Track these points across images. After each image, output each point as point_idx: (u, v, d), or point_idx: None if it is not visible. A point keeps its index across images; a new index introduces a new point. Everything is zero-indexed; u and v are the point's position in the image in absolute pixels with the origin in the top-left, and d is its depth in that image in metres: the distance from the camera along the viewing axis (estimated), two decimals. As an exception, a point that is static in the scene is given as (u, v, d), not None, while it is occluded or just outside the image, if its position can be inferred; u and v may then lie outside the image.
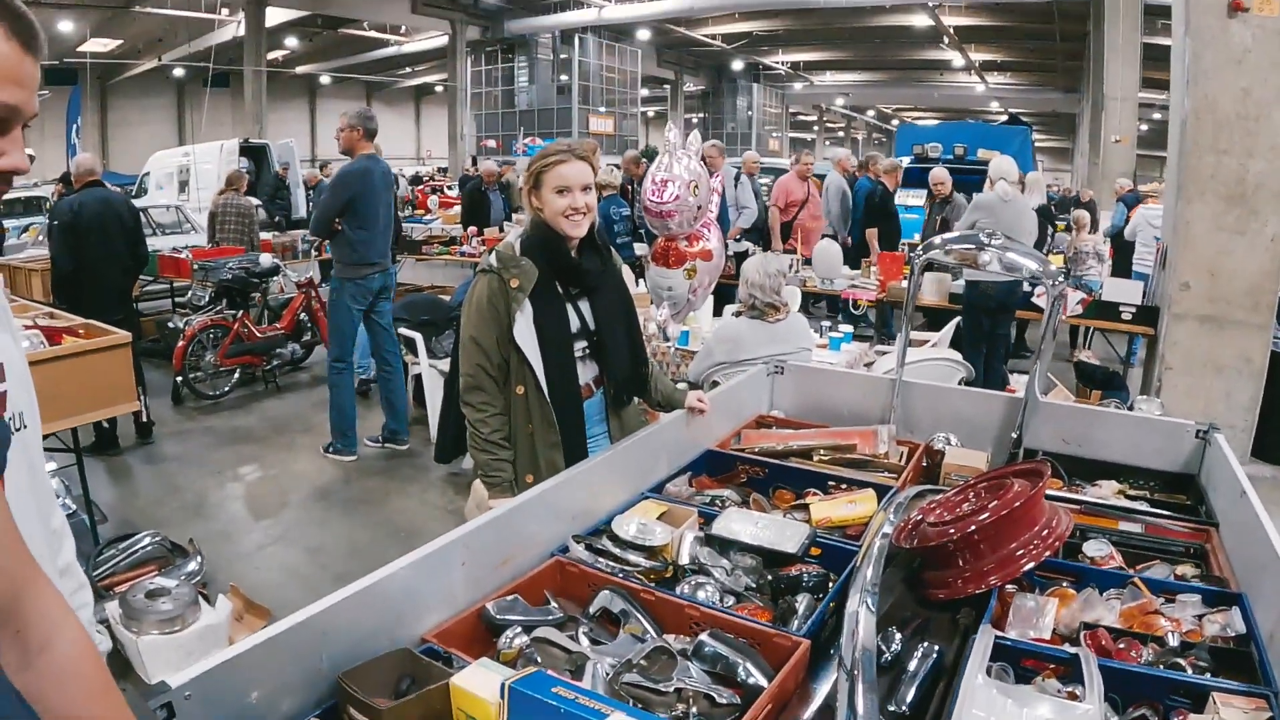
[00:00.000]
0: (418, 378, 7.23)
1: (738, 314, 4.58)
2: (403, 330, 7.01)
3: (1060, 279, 3.51)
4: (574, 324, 3.05)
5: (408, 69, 40.22)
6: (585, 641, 2.08)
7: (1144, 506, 3.31)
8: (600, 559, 2.43)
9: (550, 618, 2.15)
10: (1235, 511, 2.94)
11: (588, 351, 3.11)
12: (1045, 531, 2.52)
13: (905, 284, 8.47)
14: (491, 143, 30.47)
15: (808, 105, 44.02)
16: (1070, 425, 3.74)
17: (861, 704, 1.68)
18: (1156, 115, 29.88)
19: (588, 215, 2.98)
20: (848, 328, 6.52)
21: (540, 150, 3.07)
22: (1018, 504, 2.48)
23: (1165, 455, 3.63)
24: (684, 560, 2.47)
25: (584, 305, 3.08)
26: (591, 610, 2.21)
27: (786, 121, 41.56)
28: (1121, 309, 7.88)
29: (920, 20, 28.10)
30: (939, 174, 9.86)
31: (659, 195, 4.56)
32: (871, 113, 47.14)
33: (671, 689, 1.86)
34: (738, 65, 35.45)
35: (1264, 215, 6.38)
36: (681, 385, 3.49)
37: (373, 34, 33.29)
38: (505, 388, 3.01)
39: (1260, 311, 6.58)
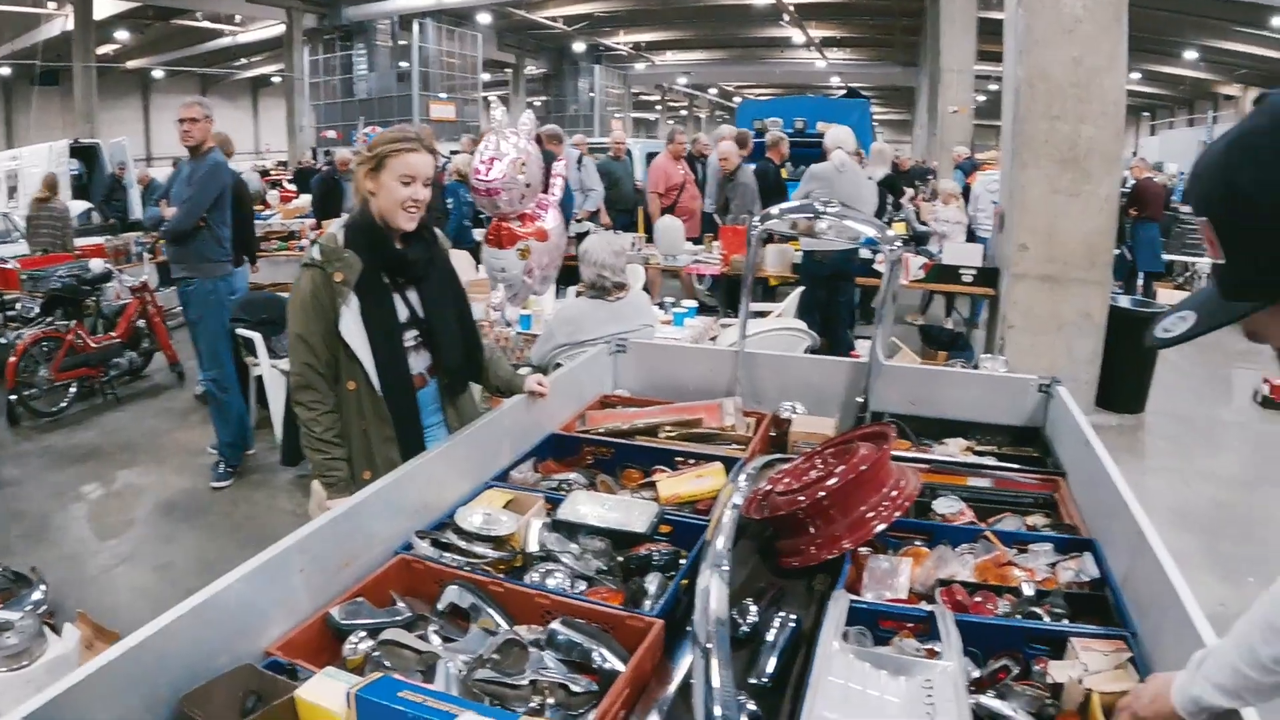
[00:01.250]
0: (259, 379, 6.91)
1: (579, 294, 4.50)
2: (241, 331, 6.70)
3: (897, 244, 3.54)
4: (403, 314, 2.95)
5: (244, 60, 39.01)
6: (436, 640, 1.98)
7: (991, 461, 3.36)
8: (446, 553, 2.32)
9: (397, 619, 2.04)
10: (1081, 461, 3.01)
11: (419, 341, 3.02)
12: (894, 492, 2.52)
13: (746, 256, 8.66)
14: (331, 133, 29.70)
15: (650, 85, 44.16)
16: (915, 387, 3.79)
17: (717, 679, 1.61)
18: (992, 86, 30.85)
19: (421, 208, 2.88)
20: (691, 303, 6.50)
21: (386, 132, 2.93)
22: (864, 467, 2.47)
23: (1010, 410, 3.70)
24: (533, 548, 2.39)
25: (412, 294, 2.98)
26: (440, 607, 2.11)
27: (629, 102, 41.62)
28: (962, 272, 8.09)
29: (760, -2, 28.37)
30: (726, 148, 9.75)
31: (486, 174, 4.48)
32: (713, 91, 47.56)
33: (526, 681, 1.79)
34: (579, 47, 35.34)
35: (1097, 177, 6.63)
36: (524, 370, 3.37)
37: (206, 24, 32.13)
38: (336, 384, 2.88)
39: (1097, 269, 6.85)
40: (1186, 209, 15.27)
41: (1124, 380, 7.66)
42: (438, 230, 3.12)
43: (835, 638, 1.90)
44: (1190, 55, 32.22)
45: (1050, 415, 3.64)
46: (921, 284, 8.68)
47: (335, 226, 2.93)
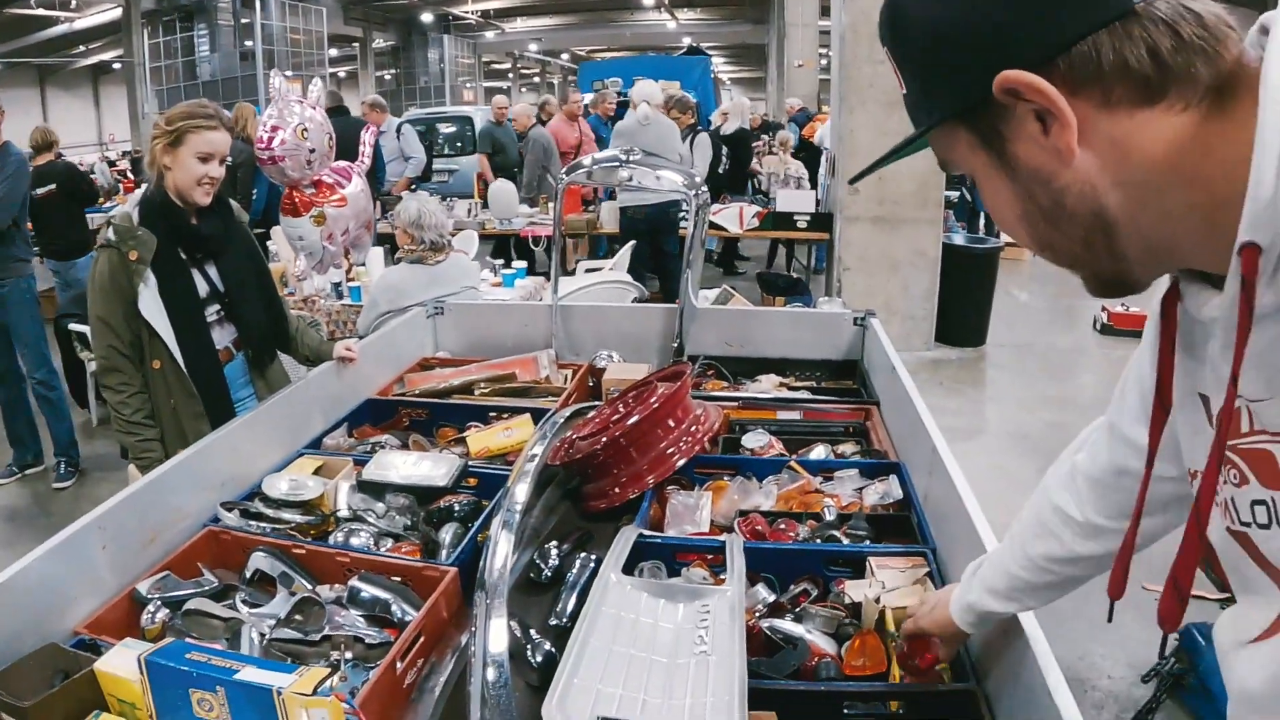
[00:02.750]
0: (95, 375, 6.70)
1: (397, 260, 4.48)
2: (73, 326, 6.51)
3: (703, 190, 3.61)
4: (203, 289, 2.93)
5: (82, 48, 37.28)
6: (244, 608, 1.98)
7: (806, 396, 3.46)
8: (253, 523, 2.32)
9: (204, 589, 2.03)
10: (890, 388, 3.12)
11: (221, 315, 3.00)
12: (694, 428, 2.60)
13: (586, 215, 8.71)
14: (177, 119, 28.63)
15: (501, 54, 43.55)
16: (731, 328, 3.89)
17: (493, 625, 1.64)
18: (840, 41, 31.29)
19: (216, 185, 2.85)
20: (521, 263, 6.50)
21: (183, 106, 2.88)
22: (657, 405, 2.53)
23: (828, 345, 3.83)
24: (341, 510, 2.40)
25: (211, 269, 2.96)
26: (247, 575, 2.10)
27: (480, 71, 40.94)
28: (796, 218, 8.25)
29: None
30: (518, 110, 9.86)
31: (268, 142, 4.46)
32: (565, 56, 47.17)
33: (320, 637, 1.82)
34: (427, 18, 34.61)
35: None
36: (350, 340, 3.35)
37: (41, 11, 30.54)
38: (142, 365, 2.84)
39: (929, 208, 7.07)
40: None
41: (963, 315, 7.91)
42: (233, 202, 3.09)
43: (614, 570, 1.94)
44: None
45: (866, 347, 3.75)
46: (757, 232, 8.79)
47: (129, 204, 2.87)
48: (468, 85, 36.17)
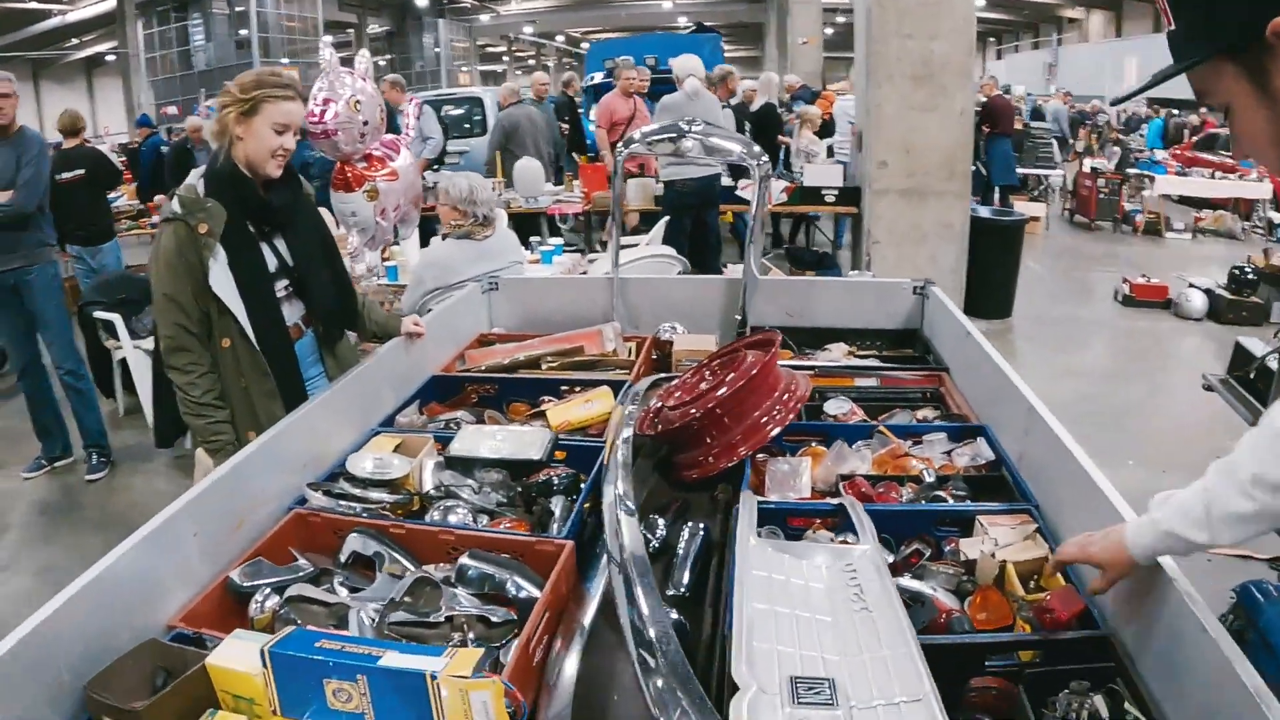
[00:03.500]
0: (124, 362, 6.61)
1: (443, 237, 4.40)
2: (99, 314, 6.40)
3: (764, 159, 3.56)
4: (272, 263, 2.81)
5: (75, 40, 37.02)
6: (343, 592, 1.90)
7: (875, 363, 3.43)
8: (341, 503, 2.23)
9: (300, 574, 1.95)
10: (962, 353, 3.12)
11: (290, 290, 2.89)
12: (785, 395, 2.53)
13: (609, 192, 8.61)
14: (173, 109, 28.47)
15: (495, 37, 43.33)
16: (791, 299, 3.85)
17: (643, 597, 1.63)
18: (840, 18, 31.16)
19: (288, 158, 2.75)
20: (558, 240, 6.43)
21: (257, 74, 2.74)
22: (754, 372, 2.46)
23: (886, 314, 3.80)
24: (427, 488, 2.32)
25: (280, 242, 2.84)
26: (343, 558, 2.02)
27: (475, 55, 40.78)
28: (824, 192, 8.15)
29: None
30: (503, 90, 9.66)
31: (321, 117, 4.33)
32: (560, 38, 47.01)
33: (442, 618, 1.73)
34: (422, 2, 34.37)
35: (951, 92, 6.74)
36: (414, 314, 3.28)
37: (34, 4, 30.31)
38: (209, 343, 2.72)
39: (956, 180, 6.97)
40: (1036, 124, 15.78)
41: (990, 287, 7.88)
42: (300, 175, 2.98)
43: (751, 534, 1.89)
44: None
45: (926, 315, 3.74)
46: (786, 206, 8.73)
47: (192, 177, 2.75)
48: (463, 69, 36.00)
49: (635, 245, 6.56)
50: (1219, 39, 1.11)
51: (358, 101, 4.39)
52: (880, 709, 1.36)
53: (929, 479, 2.36)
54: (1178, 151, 17.38)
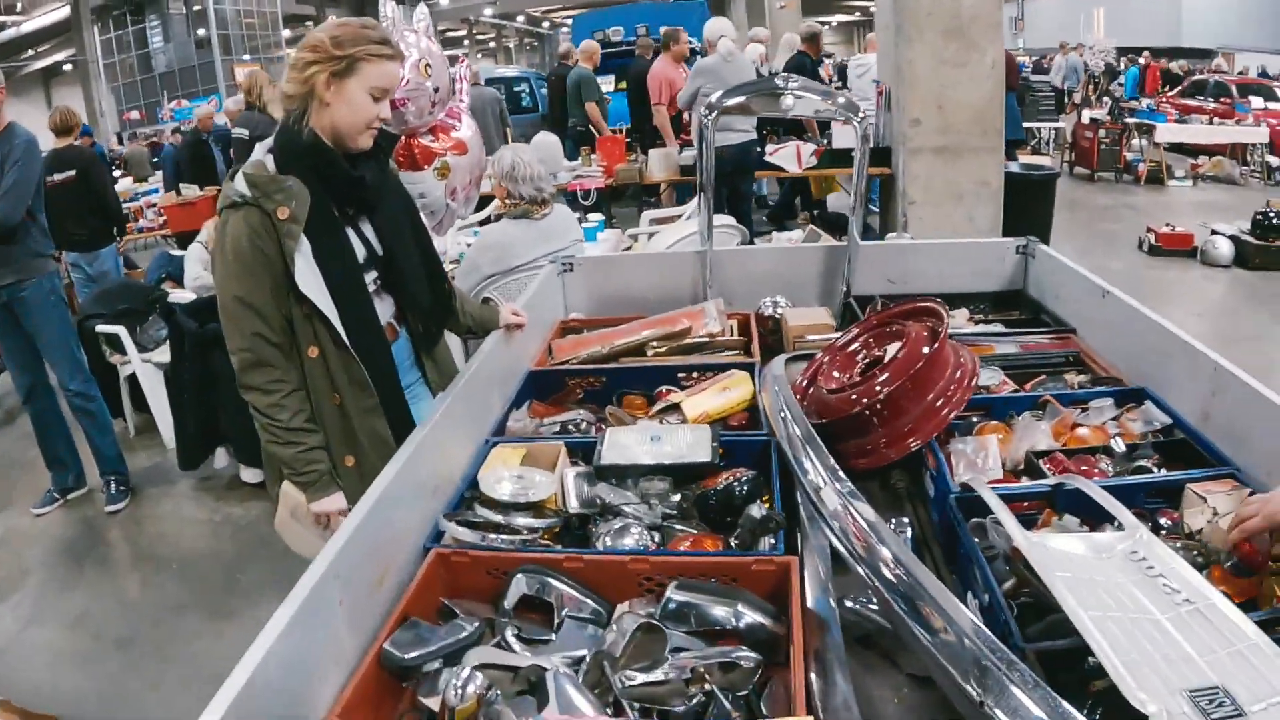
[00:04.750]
0: (132, 378, 6.16)
1: (498, 216, 4.04)
2: (101, 328, 6.00)
3: (866, 112, 3.32)
4: (360, 252, 2.39)
5: (30, 51, 36.25)
6: (518, 646, 1.60)
7: (1000, 329, 3.21)
8: (485, 534, 1.89)
9: (467, 633, 1.61)
10: (1097, 312, 2.93)
11: (379, 284, 2.46)
12: (958, 374, 2.27)
13: (633, 165, 8.46)
14: (135, 114, 27.95)
15: (456, 20, 42.71)
16: (892, 264, 3.62)
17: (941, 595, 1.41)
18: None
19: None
20: (598, 216, 6.15)
21: (350, 25, 2.29)
22: (926, 349, 2.22)
23: (990, 276, 3.60)
24: (574, 506, 2.00)
25: (366, 227, 2.42)
26: (508, 604, 1.70)
27: (435, 38, 40.34)
28: (854, 153, 7.82)
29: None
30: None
31: None
32: (521, 18, 46.49)
33: (684, 671, 1.46)
34: (382, -12, 34.00)
35: (982, 46, 6.53)
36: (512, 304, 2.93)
37: (-15, 19, 29.67)
38: (293, 354, 2.31)
39: (990, 136, 6.78)
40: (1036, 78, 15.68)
41: (1026, 243, 7.65)
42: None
43: (1020, 530, 1.64)
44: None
45: (1032, 275, 3.53)
46: (817, 170, 8.53)
47: (259, 153, 2.32)
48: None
49: (673, 218, 6.30)
50: None
51: (427, 65, 3.90)
52: (1275, 709, 1.23)
53: (1119, 449, 2.19)
54: (1167, 99, 17.41)
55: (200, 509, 5.33)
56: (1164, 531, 1.87)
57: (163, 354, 5.69)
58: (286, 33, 31.87)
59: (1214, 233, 8.98)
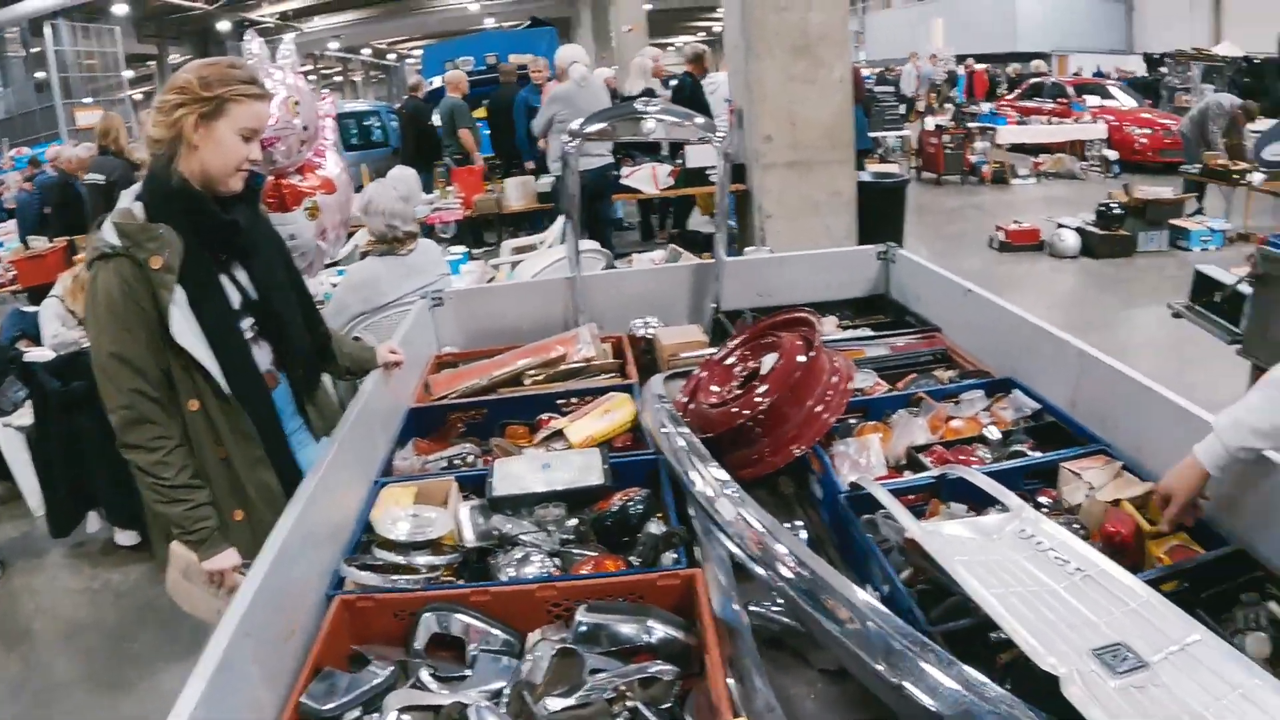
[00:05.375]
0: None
1: (364, 254, 3.99)
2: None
3: (721, 133, 3.43)
4: (234, 299, 2.30)
5: None
6: (434, 685, 1.59)
7: (869, 333, 3.35)
8: (387, 576, 1.87)
9: (381, 678, 1.59)
10: (959, 311, 3.09)
11: (256, 330, 2.36)
12: (835, 379, 2.36)
13: (491, 195, 8.47)
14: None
15: (301, 55, 42.14)
16: (759, 277, 3.73)
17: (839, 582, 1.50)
18: (647, 6, 31.36)
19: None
20: (461, 248, 6.14)
21: (216, 65, 2.21)
22: (801, 358, 2.29)
23: (854, 283, 3.74)
24: (472, 540, 1.99)
25: (239, 272, 2.33)
26: (419, 645, 1.70)
27: (301, 74, 39.61)
28: (708, 172, 7.97)
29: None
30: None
31: None
32: (366, 51, 46.09)
33: (607, 692, 1.48)
34: (224, 26, 33.13)
35: (829, 62, 6.70)
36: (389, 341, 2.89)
37: None
38: (174, 408, 2.23)
39: (841, 148, 6.97)
40: (881, 88, 16.20)
41: (881, 249, 7.87)
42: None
43: (915, 524, 1.72)
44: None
45: (894, 279, 3.68)
46: (673, 190, 8.59)
47: (127, 201, 2.22)
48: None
49: (534, 246, 6.31)
50: None
51: (295, 103, 3.80)
52: (1174, 657, 1.35)
53: (994, 437, 2.35)
54: (1005, 102, 18.25)
55: (77, 578, 5.04)
56: (1045, 510, 1.98)
57: (23, 417, 5.43)
58: (129, 73, 30.96)
59: (1060, 226, 9.43)
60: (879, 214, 7.69)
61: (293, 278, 2.52)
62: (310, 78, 46.59)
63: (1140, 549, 1.84)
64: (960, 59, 22.12)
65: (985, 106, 18.00)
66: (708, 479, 1.89)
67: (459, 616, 1.70)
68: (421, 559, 1.91)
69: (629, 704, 1.45)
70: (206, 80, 2.15)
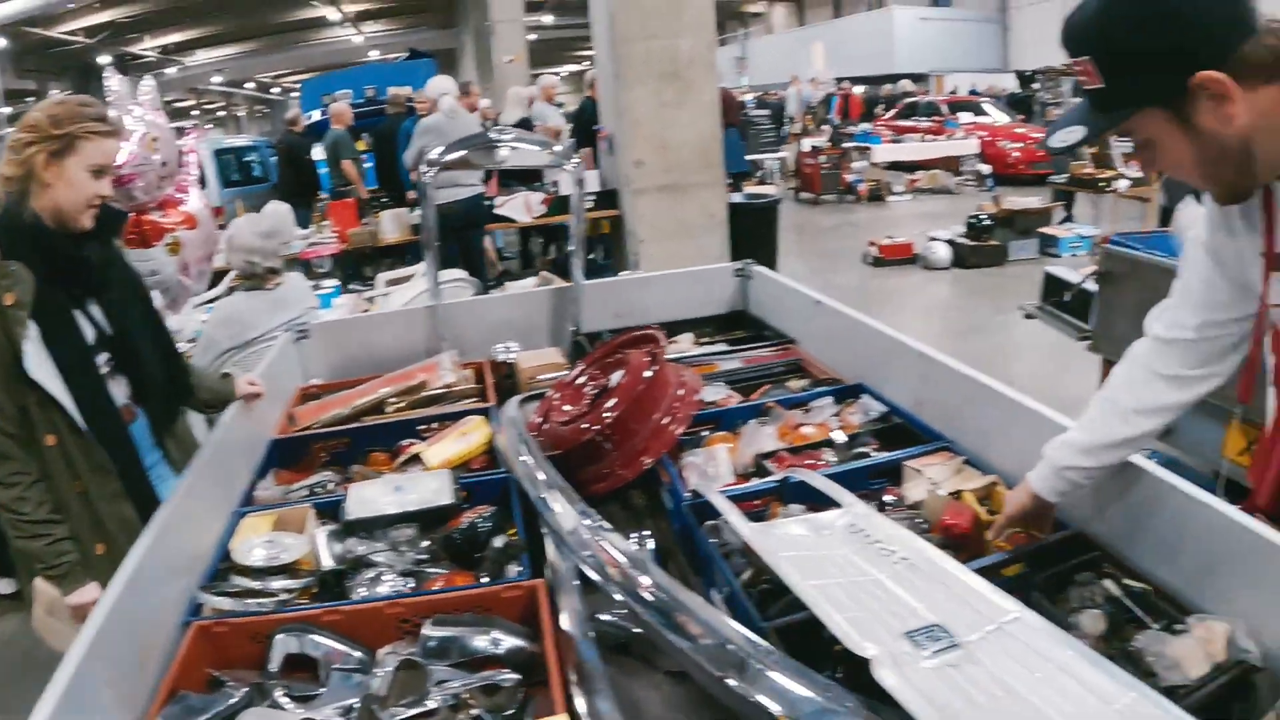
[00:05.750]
0: None
1: (230, 289, 3.99)
2: None
3: (576, 160, 3.57)
4: (89, 334, 2.33)
5: None
6: (288, 704, 1.63)
7: (723, 347, 3.48)
8: (244, 601, 1.91)
9: (235, 699, 1.62)
10: (812, 323, 3.25)
11: (112, 365, 2.40)
12: (681, 392, 2.46)
13: (366, 228, 8.46)
14: None
15: (184, 90, 41.24)
16: (618, 299, 3.83)
17: (683, 594, 1.57)
18: (532, 36, 31.51)
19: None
20: (333, 282, 6.13)
21: (63, 102, 2.26)
22: (647, 373, 2.37)
23: (714, 300, 3.87)
24: (329, 563, 2.03)
25: (94, 308, 2.36)
26: (273, 666, 1.72)
27: (162, 110, 38.74)
28: (571, 198, 8.03)
29: (290, -21, 27.18)
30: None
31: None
32: (250, 85, 45.40)
33: (448, 700, 1.55)
34: (105, 60, 32.38)
35: (699, 86, 6.87)
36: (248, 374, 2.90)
37: None
38: (31, 444, 2.25)
39: (711, 170, 7.13)
40: (758, 112, 16.48)
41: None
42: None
43: (746, 524, 1.82)
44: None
45: (752, 295, 3.82)
46: (547, 218, 8.68)
47: None
48: (154, 126, 34.10)
49: (408, 277, 6.32)
50: (1149, 95, 1.40)
51: (154, 139, 3.81)
52: (991, 636, 1.42)
53: (841, 440, 2.46)
54: (884, 121, 18.79)
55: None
56: (889, 506, 2.12)
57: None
58: (7, 110, 30.06)
59: (932, 239, 9.74)
60: (752, 234, 7.84)
61: (148, 314, 2.56)
62: (194, 112, 46.04)
63: (980, 539, 1.93)
64: (839, 81, 22.64)
65: (863, 126, 18.50)
66: (554, 494, 1.96)
67: (311, 637, 1.73)
68: (277, 583, 1.94)
69: (473, 712, 1.51)
70: (57, 118, 2.19)
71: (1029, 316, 5.02)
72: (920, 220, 11.87)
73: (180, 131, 5.23)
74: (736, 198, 8.49)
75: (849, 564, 1.66)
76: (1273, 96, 1.36)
